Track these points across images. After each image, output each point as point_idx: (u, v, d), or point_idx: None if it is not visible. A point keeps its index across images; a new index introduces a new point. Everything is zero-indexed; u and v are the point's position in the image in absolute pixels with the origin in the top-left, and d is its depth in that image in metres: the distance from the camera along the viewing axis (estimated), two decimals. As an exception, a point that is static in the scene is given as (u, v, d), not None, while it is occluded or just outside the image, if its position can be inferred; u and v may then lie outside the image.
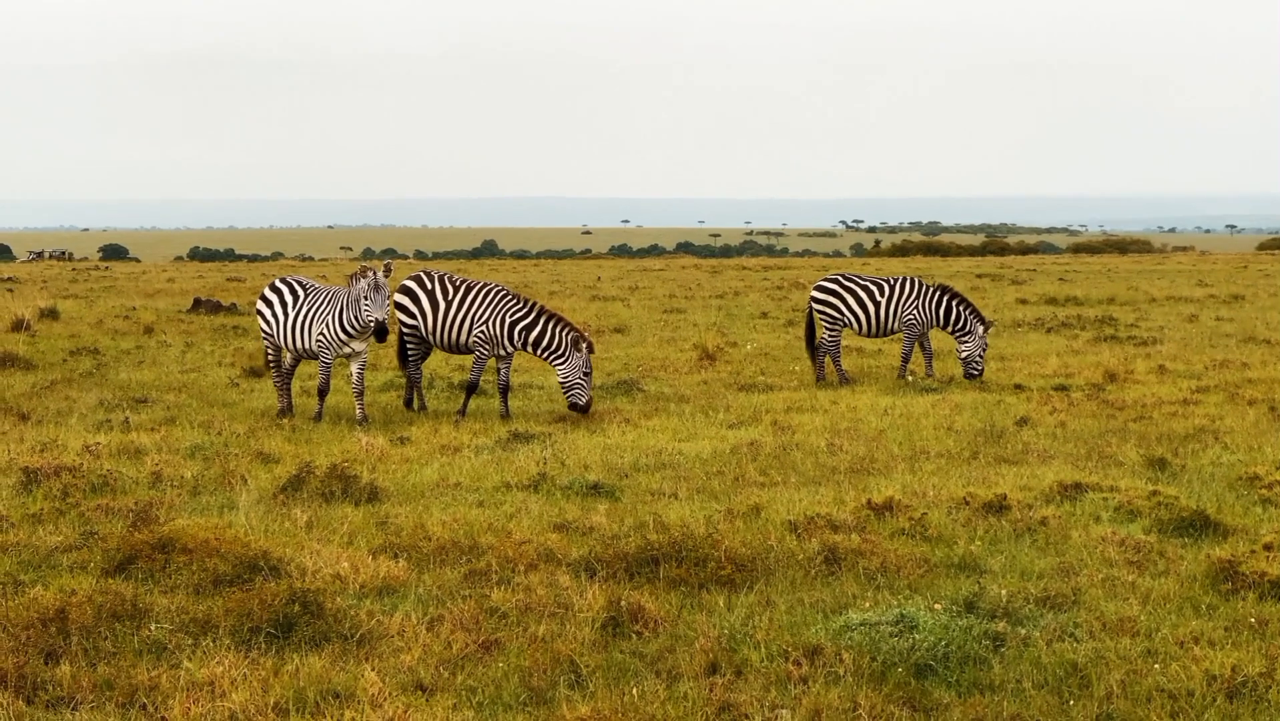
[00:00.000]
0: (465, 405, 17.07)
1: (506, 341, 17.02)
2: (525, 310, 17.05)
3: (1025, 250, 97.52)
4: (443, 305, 17.23)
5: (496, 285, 17.38)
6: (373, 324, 15.83)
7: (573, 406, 16.73)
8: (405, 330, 17.50)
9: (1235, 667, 7.21)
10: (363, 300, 15.86)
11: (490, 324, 16.99)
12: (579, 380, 16.66)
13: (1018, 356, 23.16)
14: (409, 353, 17.49)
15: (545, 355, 16.96)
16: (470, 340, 17.13)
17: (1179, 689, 7.08)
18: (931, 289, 20.67)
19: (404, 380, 19.23)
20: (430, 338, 17.39)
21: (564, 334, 16.86)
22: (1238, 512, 11.09)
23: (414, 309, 17.39)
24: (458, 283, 17.35)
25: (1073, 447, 14.25)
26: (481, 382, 19.33)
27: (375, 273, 15.87)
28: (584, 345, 16.71)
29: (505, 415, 16.83)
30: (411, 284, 17.54)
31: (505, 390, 17.16)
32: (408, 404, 17.51)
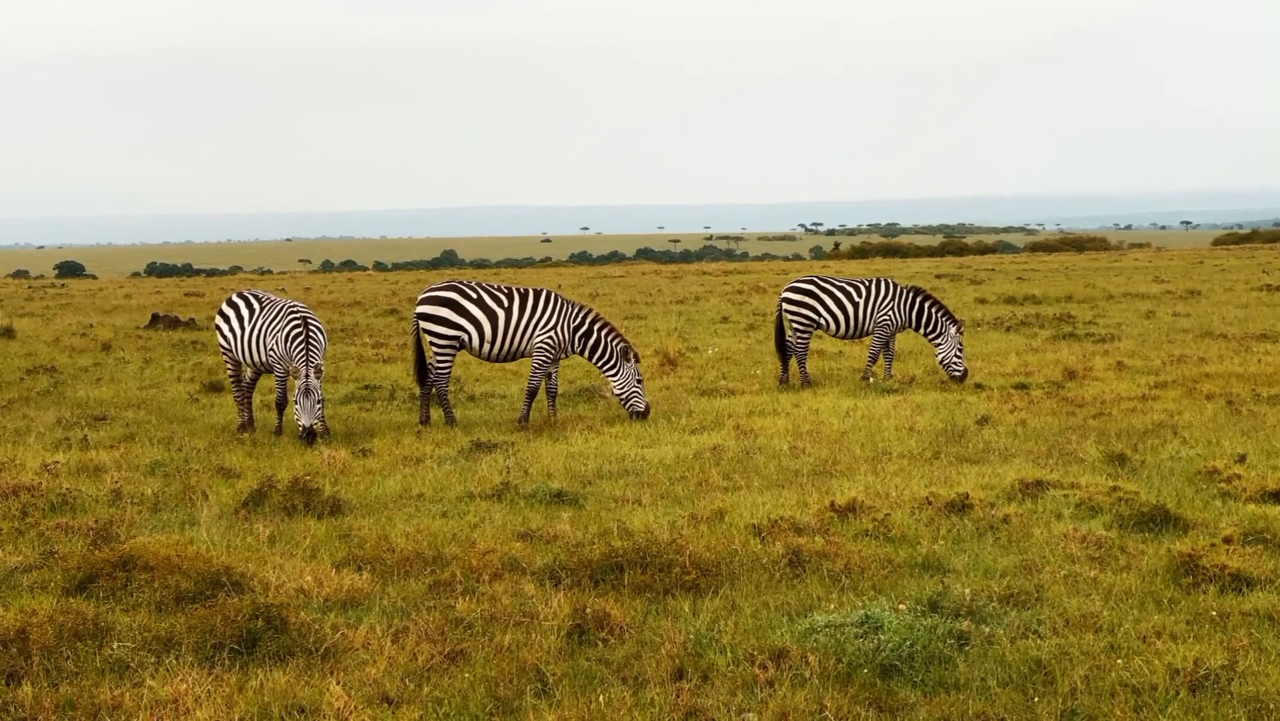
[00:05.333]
0: (528, 411, 16.96)
1: (569, 346, 17.16)
2: (581, 315, 17.18)
3: (983, 250, 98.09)
4: (501, 313, 17.00)
5: (546, 290, 17.37)
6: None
7: (633, 415, 16.85)
8: (441, 342, 17.05)
9: (1197, 661, 7.26)
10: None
11: (559, 329, 17.04)
12: (634, 389, 16.91)
13: (977, 355, 23.27)
14: (442, 364, 17.04)
15: (598, 363, 17.20)
16: (533, 345, 17.04)
17: (1142, 683, 7.13)
18: (905, 290, 20.76)
19: (366, 391, 19.15)
20: (482, 347, 17.08)
21: (614, 342, 17.06)
22: (1197, 507, 11.17)
23: (458, 319, 16.98)
24: (507, 289, 17.25)
25: (1033, 445, 14.32)
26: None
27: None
28: (632, 355, 16.95)
29: (554, 413, 17.19)
30: (451, 294, 17.10)
31: (553, 394, 17.42)
32: (428, 419, 16.96)
